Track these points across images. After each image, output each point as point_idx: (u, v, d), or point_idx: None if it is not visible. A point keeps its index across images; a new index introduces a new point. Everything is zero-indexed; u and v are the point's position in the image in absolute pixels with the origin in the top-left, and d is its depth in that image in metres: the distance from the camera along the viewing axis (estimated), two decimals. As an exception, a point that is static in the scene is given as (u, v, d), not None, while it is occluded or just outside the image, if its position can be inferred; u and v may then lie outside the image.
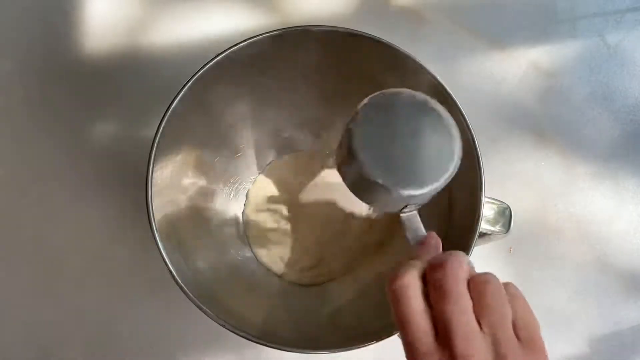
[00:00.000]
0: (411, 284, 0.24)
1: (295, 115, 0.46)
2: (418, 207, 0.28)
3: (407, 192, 0.25)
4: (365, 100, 0.26)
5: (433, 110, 0.26)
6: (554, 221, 0.48)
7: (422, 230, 0.28)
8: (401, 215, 0.27)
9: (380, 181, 0.25)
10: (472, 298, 0.24)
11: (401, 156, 0.25)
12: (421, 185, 0.25)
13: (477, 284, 0.24)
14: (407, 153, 0.25)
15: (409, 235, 0.28)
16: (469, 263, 0.25)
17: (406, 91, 0.26)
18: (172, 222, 0.37)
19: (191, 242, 0.39)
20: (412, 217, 0.28)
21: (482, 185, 0.35)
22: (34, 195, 0.47)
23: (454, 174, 0.25)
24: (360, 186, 0.28)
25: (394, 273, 0.25)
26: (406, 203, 0.26)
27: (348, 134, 0.26)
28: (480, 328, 0.23)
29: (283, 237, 0.46)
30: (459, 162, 0.25)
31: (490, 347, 0.23)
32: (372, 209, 0.29)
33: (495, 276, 0.25)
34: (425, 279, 0.25)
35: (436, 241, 0.28)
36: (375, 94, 0.26)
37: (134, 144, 0.48)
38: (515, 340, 0.24)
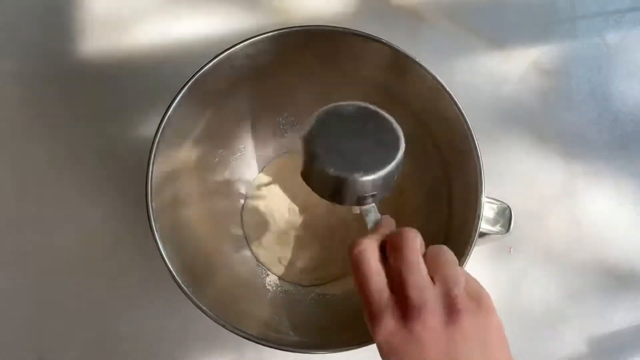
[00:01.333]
0: (369, 248, 0.27)
1: (295, 114, 0.46)
2: (376, 199, 0.31)
3: (361, 179, 0.28)
4: (318, 112, 0.30)
5: (377, 113, 0.30)
6: (554, 221, 0.48)
7: (380, 217, 0.31)
8: (362, 208, 0.31)
9: (338, 174, 0.28)
10: (426, 262, 0.26)
11: (354, 152, 0.29)
12: (371, 171, 0.29)
13: (432, 250, 0.27)
14: (358, 149, 0.29)
15: (369, 222, 0.31)
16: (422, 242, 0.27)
17: (351, 102, 0.31)
18: (172, 222, 0.37)
19: (191, 242, 0.39)
20: (371, 209, 0.31)
21: (482, 185, 0.35)
22: (34, 196, 0.47)
23: (400, 162, 0.29)
24: (323, 185, 0.31)
25: (354, 241, 0.28)
26: (365, 193, 0.30)
27: (307, 141, 0.29)
28: (434, 284, 0.26)
29: (282, 237, 0.46)
30: (403, 152, 0.29)
31: (443, 298, 0.25)
32: (337, 206, 0.31)
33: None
34: (383, 248, 0.28)
35: (392, 221, 0.31)
36: (325, 107, 0.30)
37: (134, 143, 0.48)
38: (466, 295, 0.25)
